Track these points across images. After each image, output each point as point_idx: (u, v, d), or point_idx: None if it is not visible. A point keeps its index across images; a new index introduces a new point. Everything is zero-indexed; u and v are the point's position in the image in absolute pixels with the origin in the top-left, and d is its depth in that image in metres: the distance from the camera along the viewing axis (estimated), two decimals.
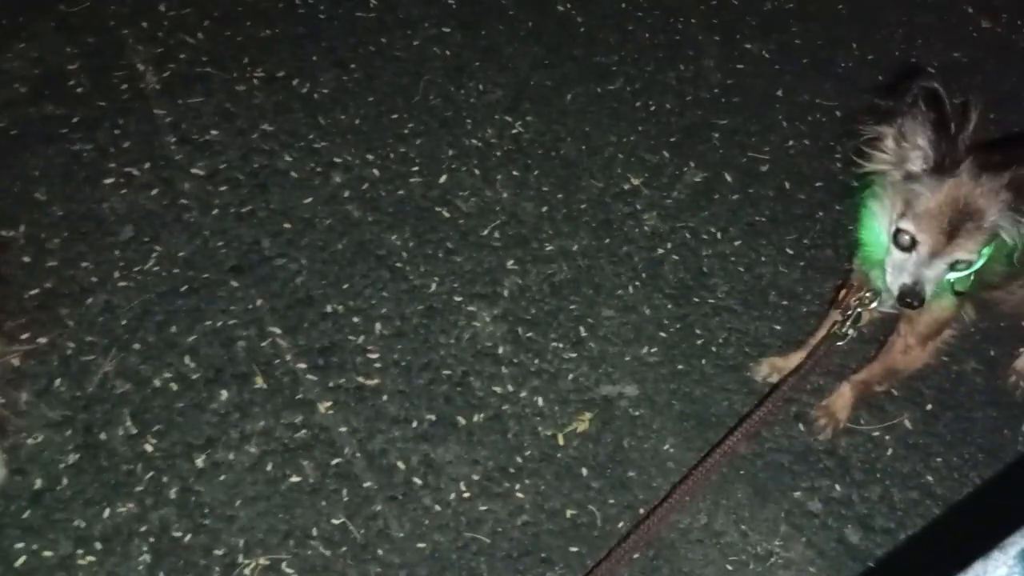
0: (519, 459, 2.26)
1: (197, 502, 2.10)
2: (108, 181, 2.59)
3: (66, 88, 2.76)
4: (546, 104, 2.95)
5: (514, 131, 2.87)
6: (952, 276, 1.90)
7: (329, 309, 2.43)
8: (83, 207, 2.53)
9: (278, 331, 2.38)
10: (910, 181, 1.87)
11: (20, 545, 1.99)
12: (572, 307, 2.52)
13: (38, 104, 2.71)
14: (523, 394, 2.35)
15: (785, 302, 2.58)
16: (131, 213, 2.54)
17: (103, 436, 2.16)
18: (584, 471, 2.26)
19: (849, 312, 2.06)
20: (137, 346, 2.30)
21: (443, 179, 2.73)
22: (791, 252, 2.68)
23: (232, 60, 2.92)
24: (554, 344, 2.45)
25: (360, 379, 2.32)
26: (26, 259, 2.41)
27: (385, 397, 2.31)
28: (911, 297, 1.89)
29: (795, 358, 2.39)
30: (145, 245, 2.48)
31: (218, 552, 2.04)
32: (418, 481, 2.20)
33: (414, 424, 2.28)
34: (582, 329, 2.48)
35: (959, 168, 1.81)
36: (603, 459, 2.27)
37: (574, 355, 2.43)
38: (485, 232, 2.63)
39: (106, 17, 2.96)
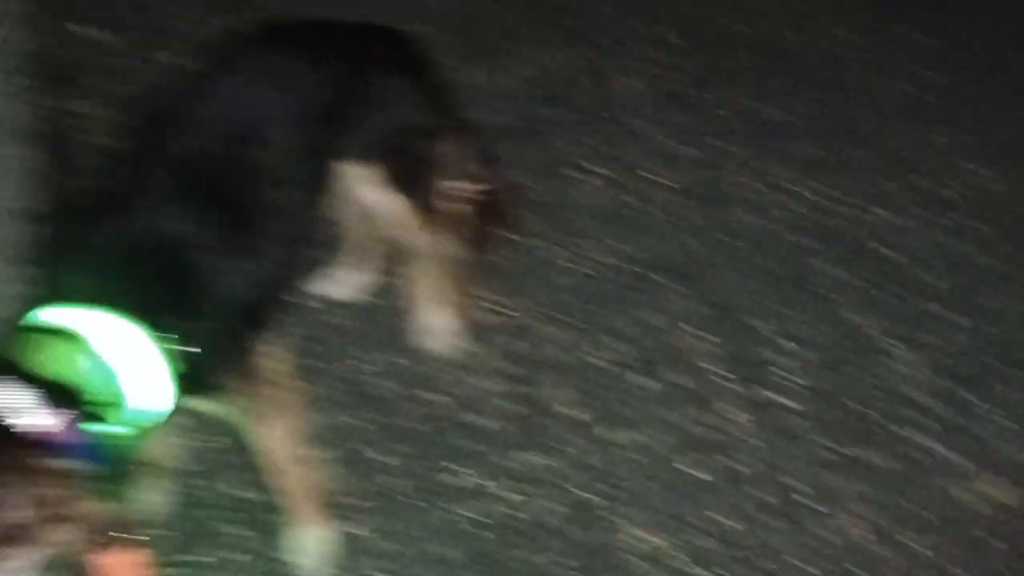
0: (924, 513, 2.22)
1: (613, 473, 2.31)
2: (581, 178, 2.91)
3: (562, 92, 3.14)
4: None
5: (977, 181, 2.79)
6: None
7: (758, 324, 2.54)
8: (559, 198, 2.86)
9: (713, 339, 2.53)
10: None
11: (467, 471, 2.31)
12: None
13: (536, 104, 3.11)
14: (939, 448, 2.30)
15: None
16: (593, 206, 2.83)
17: (536, 393, 2.45)
18: (1000, 544, 2.15)
19: None
20: (584, 325, 2.57)
21: (884, 215, 2.73)
22: None
23: (714, 86, 3.13)
24: (987, 407, 2.36)
25: (779, 398, 2.41)
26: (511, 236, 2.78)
27: (798, 419, 2.37)
28: None
29: None
30: (607, 239, 2.76)
31: (618, 520, 2.24)
32: (815, 507, 2.24)
33: (821, 451, 2.32)
34: None
35: None
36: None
37: (1011, 424, 2.32)
38: (928, 279, 2.60)
39: (605, 34, 3.30)
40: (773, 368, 2.46)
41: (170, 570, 2.06)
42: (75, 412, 1.54)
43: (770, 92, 3.09)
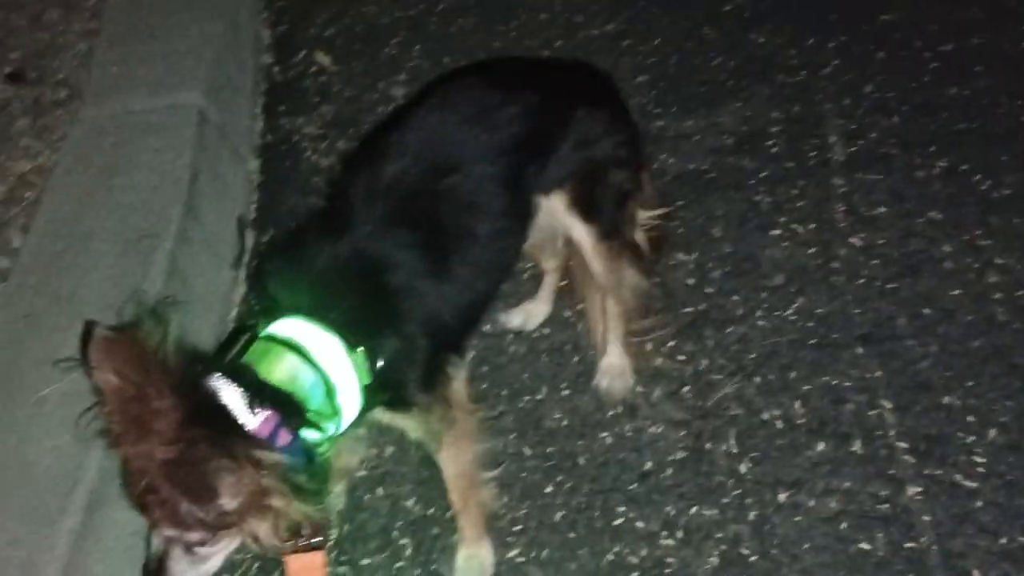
0: None
1: (770, 531, 2.28)
2: (774, 232, 2.88)
3: (763, 146, 3.13)
4: None
5: None
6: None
7: (946, 400, 2.44)
8: (747, 249, 2.85)
9: (888, 405, 2.45)
10: None
11: (621, 509, 2.36)
12: None
13: (737, 155, 3.11)
14: None
15: None
16: (786, 264, 2.80)
17: (708, 446, 2.45)
18: None
19: None
20: (758, 380, 2.56)
21: None
22: None
23: (919, 147, 3.04)
24: None
25: (958, 477, 2.30)
26: (690, 281, 2.80)
27: (979, 503, 2.25)
28: None
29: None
30: (790, 295, 2.73)
31: None
32: None
33: (1002, 540, 2.19)
34: None
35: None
36: None
37: None
38: None
39: (814, 91, 3.27)
40: (952, 443, 2.35)
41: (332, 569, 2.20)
42: (295, 419, 1.70)
43: (982, 159, 2.96)
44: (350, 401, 1.82)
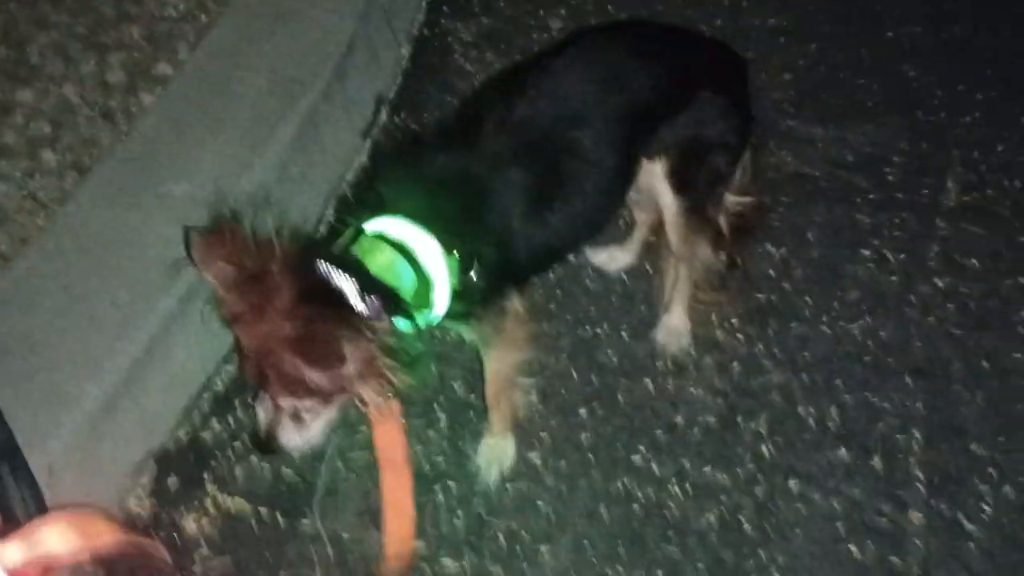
0: None
1: (771, 509, 2.42)
2: (864, 252, 2.97)
3: (881, 171, 3.20)
4: None
5: None
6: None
7: (974, 447, 2.53)
8: (834, 259, 2.95)
9: (918, 436, 2.55)
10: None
11: (641, 448, 2.53)
12: None
13: (852, 172, 3.19)
14: None
15: None
16: (866, 283, 2.89)
17: (739, 419, 2.59)
18: None
19: None
20: (804, 377, 2.67)
21: None
22: None
23: None
24: None
25: (961, 516, 2.40)
26: (771, 272, 2.92)
27: (973, 546, 2.35)
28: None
29: None
30: (860, 312, 2.82)
31: (758, 551, 2.35)
32: None
33: None
34: None
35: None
36: None
37: None
38: None
39: (947, 134, 3.31)
40: (966, 486, 2.44)
41: None
42: (395, 307, 1.88)
43: None
44: (441, 300, 2.00)
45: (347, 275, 1.82)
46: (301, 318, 1.73)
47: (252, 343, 1.80)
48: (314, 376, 1.78)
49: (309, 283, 1.77)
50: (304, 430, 1.95)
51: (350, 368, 1.78)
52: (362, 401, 1.87)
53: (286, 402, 1.87)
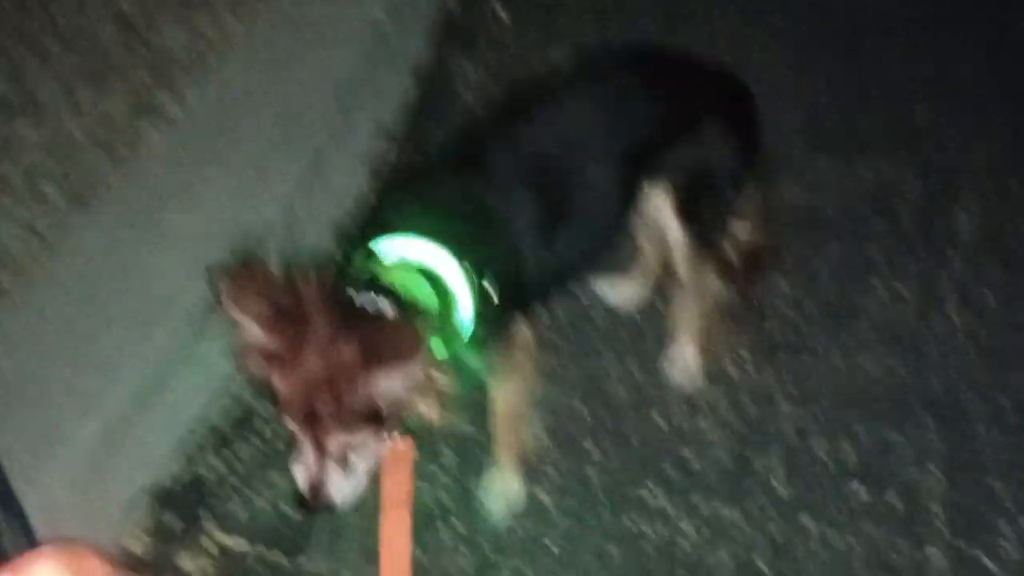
0: None
1: (785, 547, 2.35)
2: (877, 285, 2.92)
3: (893, 205, 3.15)
4: None
5: None
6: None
7: (994, 484, 2.46)
8: (846, 293, 2.90)
9: (937, 472, 2.48)
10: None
11: (651, 485, 2.47)
12: None
13: (863, 204, 3.15)
14: None
15: None
16: (879, 318, 2.84)
17: (750, 455, 2.53)
18: None
19: None
20: (817, 411, 2.61)
21: None
22: None
23: None
24: None
25: (981, 554, 2.33)
26: (781, 306, 2.87)
27: None
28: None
29: None
30: (872, 345, 2.77)
31: None
32: None
33: None
34: None
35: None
36: None
37: None
38: None
39: (960, 171, 3.27)
40: (985, 523, 2.37)
41: None
42: (431, 326, 1.80)
43: None
44: (466, 319, 1.96)
45: (382, 296, 1.78)
46: (356, 336, 1.67)
47: (297, 382, 1.71)
48: (388, 380, 1.69)
49: (347, 309, 1.73)
50: (352, 476, 1.85)
51: (404, 388, 1.71)
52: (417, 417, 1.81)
53: (336, 442, 1.78)
